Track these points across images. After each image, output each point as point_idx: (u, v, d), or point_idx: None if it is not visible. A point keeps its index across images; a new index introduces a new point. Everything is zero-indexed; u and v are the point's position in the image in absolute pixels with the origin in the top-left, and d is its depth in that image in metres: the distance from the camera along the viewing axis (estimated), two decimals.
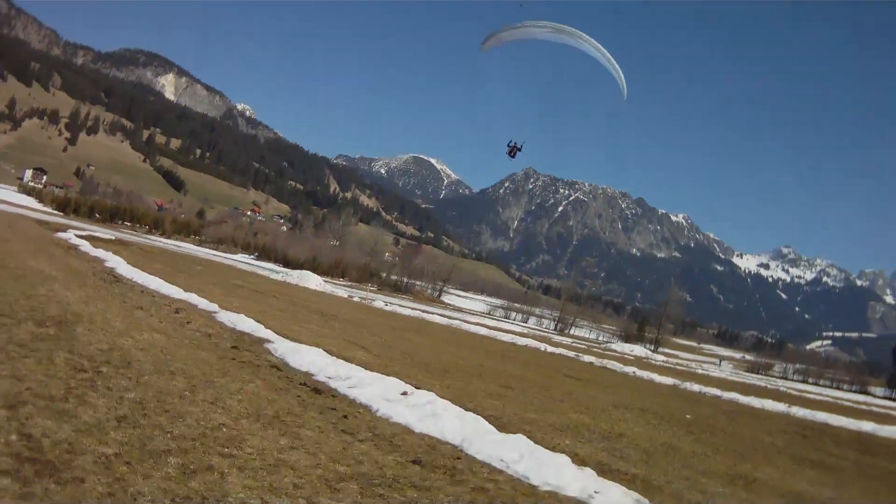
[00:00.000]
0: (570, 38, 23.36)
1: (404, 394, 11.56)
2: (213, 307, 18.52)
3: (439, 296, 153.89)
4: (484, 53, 30.25)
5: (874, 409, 41.18)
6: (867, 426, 22.40)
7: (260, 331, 15.81)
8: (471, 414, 10.86)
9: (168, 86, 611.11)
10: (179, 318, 15.50)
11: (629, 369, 34.50)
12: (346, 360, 14.33)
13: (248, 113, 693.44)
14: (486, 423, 10.51)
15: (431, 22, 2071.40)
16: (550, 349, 40.10)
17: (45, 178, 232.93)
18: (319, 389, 11.20)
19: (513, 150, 29.45)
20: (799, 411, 24.90)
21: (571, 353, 39.71)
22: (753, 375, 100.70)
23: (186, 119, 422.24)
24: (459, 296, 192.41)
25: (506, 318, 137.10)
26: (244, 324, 16.30)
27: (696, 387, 30.24)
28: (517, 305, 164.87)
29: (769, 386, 51.82)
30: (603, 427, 13.33)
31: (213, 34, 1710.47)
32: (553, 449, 9.81)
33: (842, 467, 14.13)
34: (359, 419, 9.77)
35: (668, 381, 31.61)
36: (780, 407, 25.69)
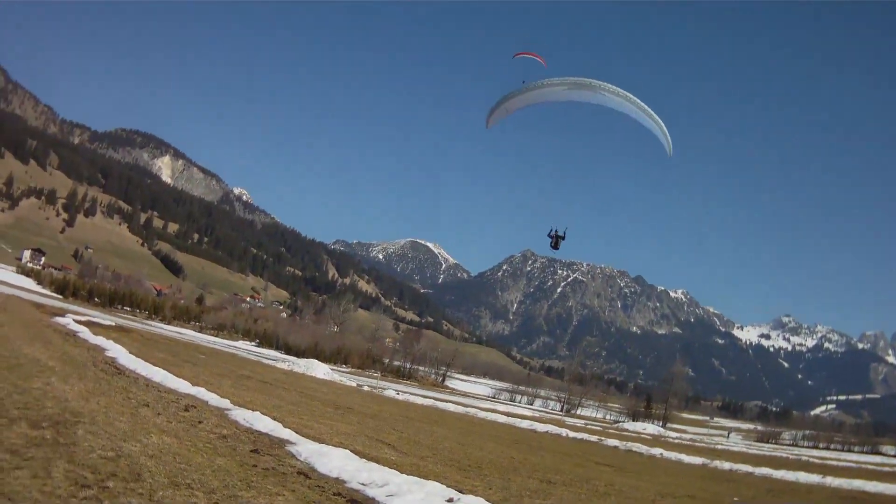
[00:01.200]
0: (591, 94, 22.40)
1: (450, 500, 10.24)
2: (226, 403, 17.07)
3: (443, 381, 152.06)
4: (488, 129, 29.55)
5: None
6: None
7: (279, 430, 14.36)
8: None
9: (164, 168, 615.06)
10: (190, 417, 14.02)
11: (656, 451, 33.44)
12: (375, 460, 13.04)
13: (244, 197, 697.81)
14: None
15: (423, 109, 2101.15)
16: (572, 434, 38.91)
17: (42, 259, 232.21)
18: (356, 500, 9.79)
19: (556, 240, 29.28)
20: (833, 481, 24.40)
21: (594, 438, 38.46)
22: (766, 445, 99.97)
23: (183, 203, 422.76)
24: (463, 380, 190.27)
25: (511, 401, 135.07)
26: (261, 423, 14.84)
27: (726, 465, 29.34)
28: (522, 388, 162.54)
29: (790, 456, 51.50)
30: None
31: (209, 116, 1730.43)
32: None
33: None
34: None
35: (696, 460, 30.70)
36: (814, 478, 25.17)
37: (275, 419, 15.58)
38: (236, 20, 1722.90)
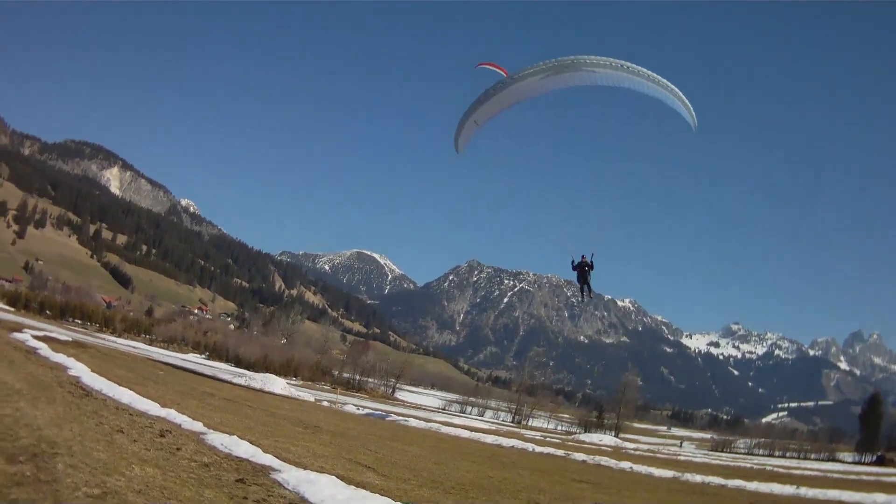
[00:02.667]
0: (575, 75, 20.52)
1: None
2: (199, 426, 16.26)
3: (393, 393, 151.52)
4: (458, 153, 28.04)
5: (864, 477, 42.41)
6: (880, 498, 22.27)
7: (259, 455, 13.64)
8: None
9: (113, 179, 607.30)
10: (167, 444, 13.20)
11: (625, 465, 33.01)
12: (361, 486, 12.49)
13: (191, 209, 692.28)
14: None
15: (367, 120, 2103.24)
16: (538, 449, 38.35)
17: None
18: None
19: (583, 273, 29.46)
20: (808, 491, 24.41)
21: (560, 452, 37.98)
22: (723, 454, 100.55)
23: (132, 215, 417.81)
24: (412, 391, 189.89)
25: (462, 412, 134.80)
26: (239, 448, 14.09)
27: (697, 477, 29.11)
28: (472, 399, 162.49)
29: (754, 466, 51.58)
30: None
31: (155, 126, 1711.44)
32: None
33: None
34: None
35: (666, 473, 30.29)
36: (788, 489, 25.10)
37: (252, 443, 14.83)
38: (189, 32, 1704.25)
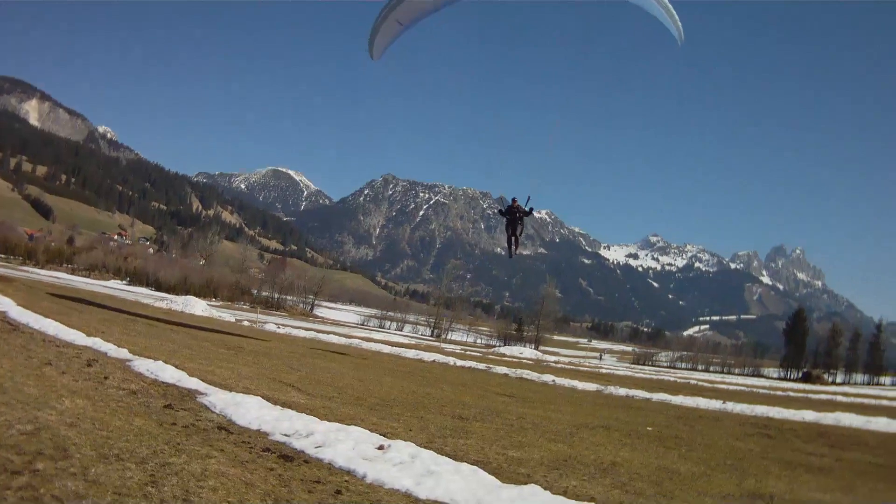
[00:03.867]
0: None
1: (381, 448, 9.74)
2: (124, 353, 15.99)
3: (312, 310, 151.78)
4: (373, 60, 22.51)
5: (790, 394, 41.65)
6: (809, 415, 21.91)
7: (185, 380, 13.51)
8: (465, 465, 9.16)
9: (32, 112, 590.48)
10: (95, 373, 12.97)
11: (547, 378, 32.98)
12: (287, 406, 12.45)
13: (109, 135, 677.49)
14: (485, 473, 8.89)
15: (282, 33, 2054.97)
16: (459, 363, 38.51)
17: None
18: (288, 455, 9.13)
19: (514, 217, 24.53)
20: (735, 406, 24.17)
21: (482, 366, 37.97)
22: (646, 367, 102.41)
23: (51, 145, 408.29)
24: (330, 307, 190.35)
25: (381, 327, 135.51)
26: (165, 373, 13.92)
27: (621, 391, 28.96)
28: (391, 314, 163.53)
29: (678, 380, 51.79)
30: (590, 457, 11.92)
31: (69, 52, 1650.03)
32: (568, 495, 8.41)
33: (831, 467, 13.33)
34: (353, 491, 7.86)
35: (590, 387, 30.30)
36: (715, 404, 24.86)
37: (177, 367, 14.68)
38: None
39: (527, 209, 24.13)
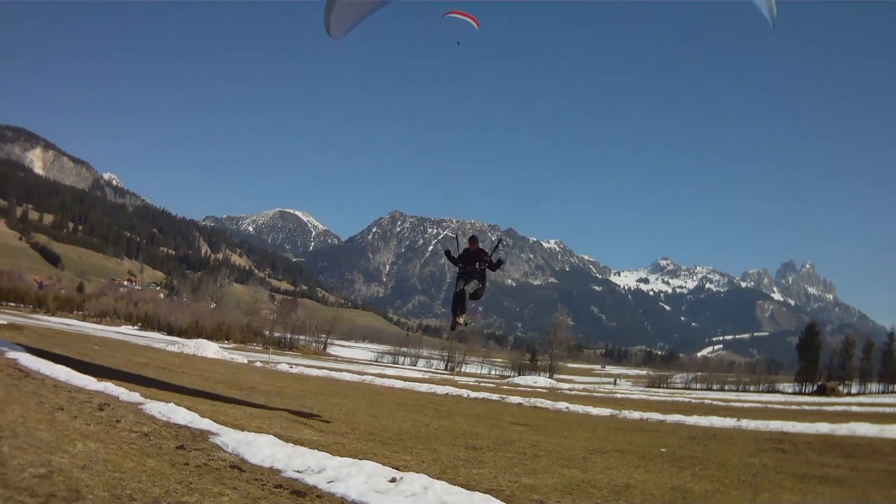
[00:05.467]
0: None
1: (393, 480, 9.77)
2: (136, 397, 16.08)
3: (325, 348, 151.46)
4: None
5: (805, 407, 41.32)
6: (823, 427, 21.74)
7: (197, 421, 13.54)
8: (477, 493, 9.19)
9: (36, 160, 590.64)
10: (107, 417, 13.05)
11: (561, 405, 32.70)
12: (300, 443, 12.49)
13: (114, 182, 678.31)
14: (498, 501, 8.93)
15: (281, 75, 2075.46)
16: (473, 394, 38.29)
17: None
18: (300, 491, 9.18)
19: (474, 267, 16.57)
20: (749, 423, 23.86)
21: (495, 396, 37.86)
22: (660, 390, 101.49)
23: (57, 193, 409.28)
24: (343, 346, 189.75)
25: (395, 363, 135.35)
26: (177, 415, 13.98)
27: (635, 414, 28.66)
28: (404, 350, 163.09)
29: (692, 400, 51.55)
30: (603, 480, 11.90)
31: (70, 101, 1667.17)
32: None
33: (845, 477, 13.22)
34: None
35: (604, 412, 30.04)
36: (729, 422, 24.60)
37: (189, 409, 14.72)
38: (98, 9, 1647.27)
39: (494, 259, 16.85)
